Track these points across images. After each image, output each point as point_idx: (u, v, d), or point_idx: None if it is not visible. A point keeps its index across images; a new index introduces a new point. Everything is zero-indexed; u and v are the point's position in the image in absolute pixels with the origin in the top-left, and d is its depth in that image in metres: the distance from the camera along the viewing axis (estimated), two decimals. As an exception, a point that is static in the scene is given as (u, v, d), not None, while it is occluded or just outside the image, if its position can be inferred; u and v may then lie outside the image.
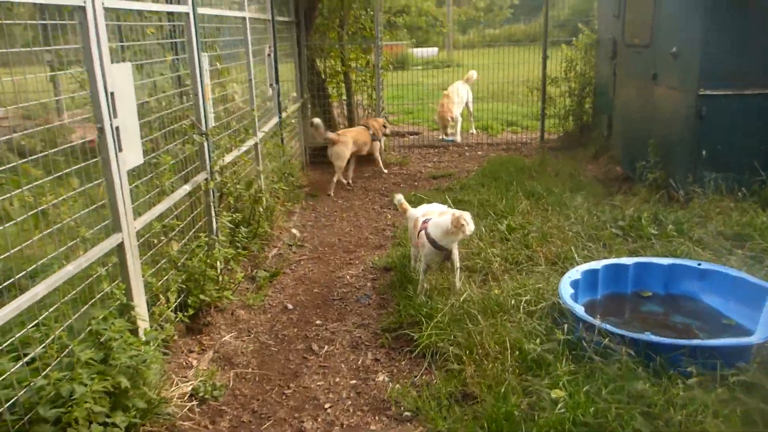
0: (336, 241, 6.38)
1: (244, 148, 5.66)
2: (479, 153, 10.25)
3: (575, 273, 4.32)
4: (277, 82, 7.30)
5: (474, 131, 11.58)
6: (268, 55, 7.07)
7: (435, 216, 4.71)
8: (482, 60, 11.02)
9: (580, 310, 3.78)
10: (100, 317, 2.98)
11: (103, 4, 3.06)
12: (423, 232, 4.54)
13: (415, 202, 5.80)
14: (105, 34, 3.08)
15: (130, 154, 3.39)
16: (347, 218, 7.15)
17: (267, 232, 5.93)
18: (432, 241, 4.42)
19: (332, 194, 8.11)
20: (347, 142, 8.17)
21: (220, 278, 4.72)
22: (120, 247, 3.27)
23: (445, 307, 4.18)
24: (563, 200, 6.76)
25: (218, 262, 4.62)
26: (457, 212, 4.38)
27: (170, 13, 4.27)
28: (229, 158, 5.05)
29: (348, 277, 5.40)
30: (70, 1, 2.88)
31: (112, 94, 3.12)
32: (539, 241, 5.38)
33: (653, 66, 7.35)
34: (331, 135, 8.11)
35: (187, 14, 4.28)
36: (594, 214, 6.10)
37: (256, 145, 6.09)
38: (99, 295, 3.11)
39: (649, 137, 7.39)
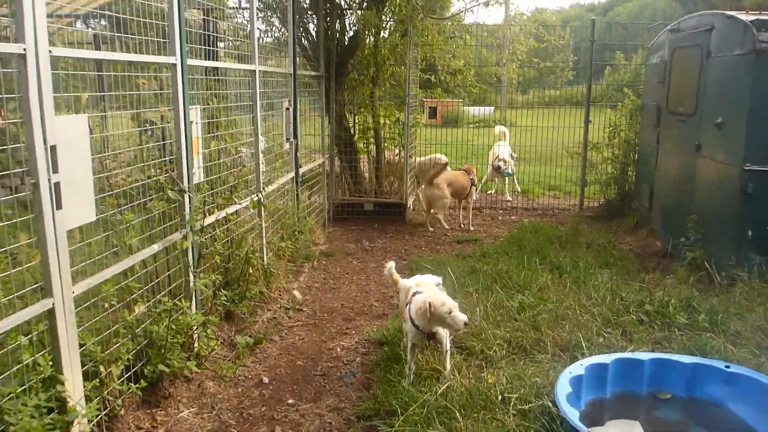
0: (338, 306, 5.99)
1: (242, 205, 5.40)
2: (513, 218, 9.76)
3: (578, 367, 3.78)
4: (295, 137, 7.10)
5: (509, 197, 11.10)
6: (287, 109, 6.90)
7: (429, 289, 4.29)
8: (534, 121, 10.66)
9: (574, 417, 3.24)
10: (7, 393, 2.66)
11: (50, 52, 2.86)
12: (407, 307, 4.12)
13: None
14: (49, 84, 2.86)
15: (77, 210, 3.14)
16: (357, 281, 6.77)
17: (261, 294, 5.60)
18: (411, 320, 3.99)
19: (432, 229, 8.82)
20: (441, 185, 8.58)
21: (196, 345, 4.39)
22: (50, 313, 2.97)
23: (425, 395, 3.71)
24: (588, 276, 6.20)
25: (194, 327, 4.30)
26: (431, 297, 3.93)
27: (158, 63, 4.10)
28: (215, 216, 4.78)
29: (339, 349, 4.98)
30: (8, 48, 2.68)
31: (53, 147, 2.89)
32: (550, 324, 4.85)
33: (697, 136, 6.81)
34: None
35: (174, 65, 4.09)
36: (618, 294, 5.51)
37: (259, 201, 5.83)
38: (15, 368, 2.80)
39: (690, 212, 6.79)
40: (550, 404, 3.47)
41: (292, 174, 7.16)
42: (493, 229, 9.01)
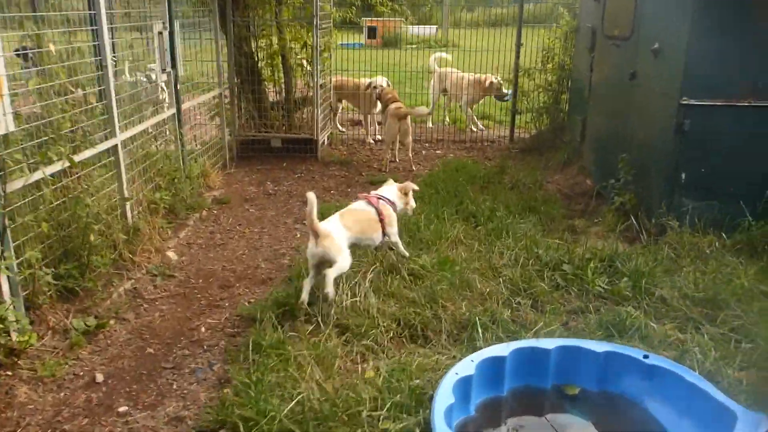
0: (218, 269, 5.15)
1: (85, 156, 4.41)
2: (438, 152, 8.96)
3: (467, 366, 3.09)
4: (173, 66, 6.01)
5: (431, 125, 10.21)
6: (160, 33, 5.78)
7: None
8: (478, 43, 9.65)
9: (449, 441, 2.56)
10: None
11: None
12: None
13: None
14: None
15: None
16: (249, 235, 5.91)
17: (121, 259, 4.71)
18: None
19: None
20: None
21: (14, 339, 3.53)
22: None
23: (284, 405, 2.97)
24: (506, 226, 5.50)
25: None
26: None
27: None
28: (36, 176, 3.81)
29: (203, 329, 4.17)
30: None
31: None
32: (451, 295, 4.15)
33: (632, 63, 6.05)
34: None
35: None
36: (535, 252, 4.84)
37: (115, 148, 4.84)
38: None
39: (622, 150, 6.11)
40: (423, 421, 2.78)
41: (172, 111, 6.11)
42: (415, 165, 8.19)
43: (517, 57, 9.06)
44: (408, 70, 10.90)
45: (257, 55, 8.08)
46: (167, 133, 6.20)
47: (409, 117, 7.87)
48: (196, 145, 7.09)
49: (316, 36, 7.75)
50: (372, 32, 19.68)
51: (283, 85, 8.31)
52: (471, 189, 6.88)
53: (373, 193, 4.96)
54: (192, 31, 7.47)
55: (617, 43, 6.53)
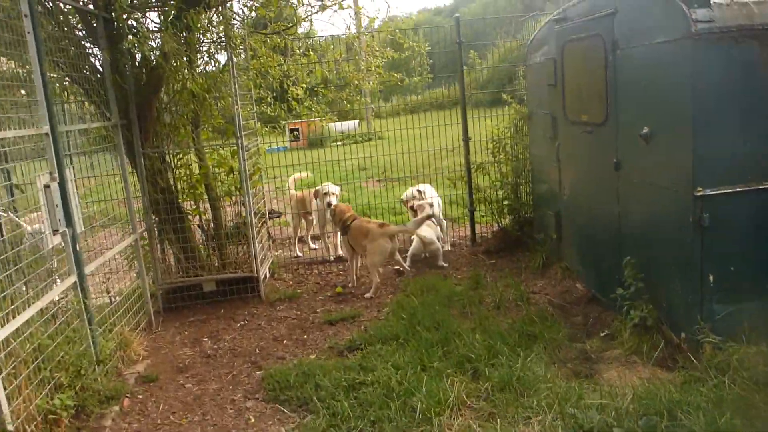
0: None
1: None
2: (395, 267, 7.88)
3: None
4: (69, 224, 4.76)
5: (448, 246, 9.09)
6: (46, 186, 4.57)
7: None
8: (402, 131, 8.84)
9: None
10: None
11: None
12: None
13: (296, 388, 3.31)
14: None
15: None
16: (187, 428, 4.55)
17: None
18: None
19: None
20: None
21: None
22: None
23: None
24: (515, 372, 4.39)
25: None
26: None
27: None
28: None
29: None
30: None
31: None
32: None
33: (613, 151, 5.26)
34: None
35: None
36: (569, 413, 3.72)
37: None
38: None
39: (622, 250, 5.21)
40: None
41: (72, 279, 4.80)
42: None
43: (467, 152, 8.27)
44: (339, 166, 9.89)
45: (176, 189, 6.92)
46: (67, 306, 4.86)
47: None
48: (110, 303, 5.73)
49: (243, 159, 6.69)
50: (296, 135, 19.04)
51: (210, 219, 7.12)
52: (451, 316, 5.79)
53: None
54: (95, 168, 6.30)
55: (588, 130, 5.77)
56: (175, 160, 6.91)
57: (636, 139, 4.80)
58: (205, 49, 6.89)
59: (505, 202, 8.03)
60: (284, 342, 5.92)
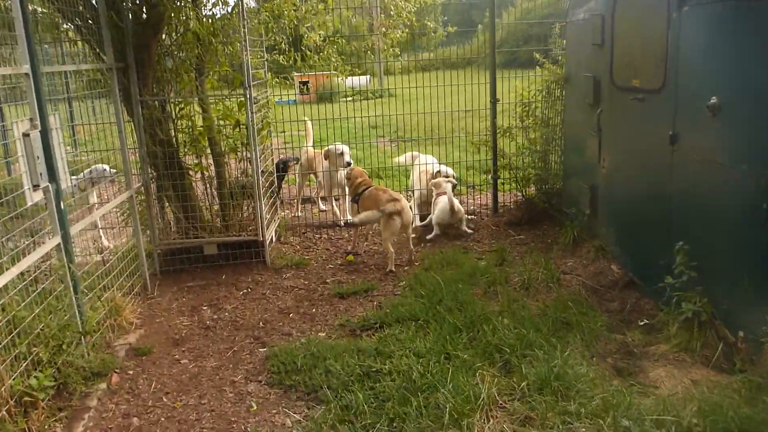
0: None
1: None
2: (412, 236, 7.33)
3: None
4: (53, 179, 4.20)
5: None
6: (26, 135, 3.98)
7: None
8: (418, 89, 8.13)
9: None
10: None
11: None
12: None
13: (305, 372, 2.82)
14: None
15: None
16: (180, 412, 4.07)
17: None
18: None
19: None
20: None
21: None
22: None
23: None
24: (552, 369, 3.87)
25: None
26: None
27: None
28: None
29: None
30: None
31: None
32: None
33: (670, 122, 4.63)
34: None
35: None
36: (625, 426, 3.21)
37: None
38: None
39: (670, 233, 4.65)
40: None
41: (56, 241, 4.26)
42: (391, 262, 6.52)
43: (494, 115, 7.63)
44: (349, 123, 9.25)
45: (177, 142, 6.32)
46: (51, 270, 4.33)
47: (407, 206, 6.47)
48: (102, 264, 5.21)
49: (251, 111, 6.07)
50: (304, 87, 18.36)
51: (213, 177, 6.54)
52: (475, 296, 5.27)
53: None
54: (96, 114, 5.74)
55: (639, 97, 5.14)
56: (177, 110, 6.30)
57: (699, 109, 4.17)
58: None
59: (532, 171, 7.42)
60: (291, 315, 5.41)
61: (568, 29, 6.70)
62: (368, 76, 22.67)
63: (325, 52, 7.49)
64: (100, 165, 6.40)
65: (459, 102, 7.83)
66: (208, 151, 6.49)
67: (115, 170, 6.07)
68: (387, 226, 6.28)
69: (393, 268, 6.25)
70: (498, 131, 7.62)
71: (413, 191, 7.83)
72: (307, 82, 18.49)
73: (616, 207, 5.78)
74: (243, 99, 6.12)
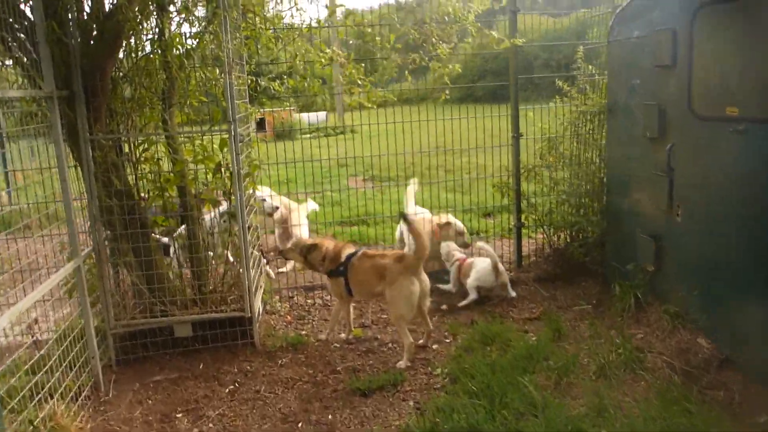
0: None
1: None
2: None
3: None
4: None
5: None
6: None
7: None
8: (381, 123, 6.79)
9: None
10: None
11: None
12: None
13: None
14: None
15: None
16: None
17: None
18: None
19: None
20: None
21: None
22: None
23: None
24: None
25: None
26: None
27: None
28: None
29: None
30: None
31: None
32: None
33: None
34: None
35: None
36: None
37: None
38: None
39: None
40: None
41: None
42: (415, 335, 5.20)
43: (517, 153, 6.50)
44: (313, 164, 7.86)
45: (138, 191, 4.92)
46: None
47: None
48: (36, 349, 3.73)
49: (236, 152, 4.74)
50: (261, 124, 17.06)
51: (186, 236, 5.13)
52: (544, 389, 4.02)
53: None
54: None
55: (740, 128, 4.06)
56: (139, 151, 4.91)
57: None
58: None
59: (569, 217, 6.28)
60: (299, 425, 4.02)
61: (613, 50, 5.64)
62: (325, 113, 21.55)
63: (308, 87, 6.05)
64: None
65: (428, 138, 6.69)
66: (178, 202, 5.09)
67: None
68: (401, 303, 4.77)
69: (408, 363, 4.74)
70: (522, 171, 6.48)
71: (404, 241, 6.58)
72: (263, 119, 17.22)
73: (699, 264, 4.65)
74: (225, 136, 4.78)
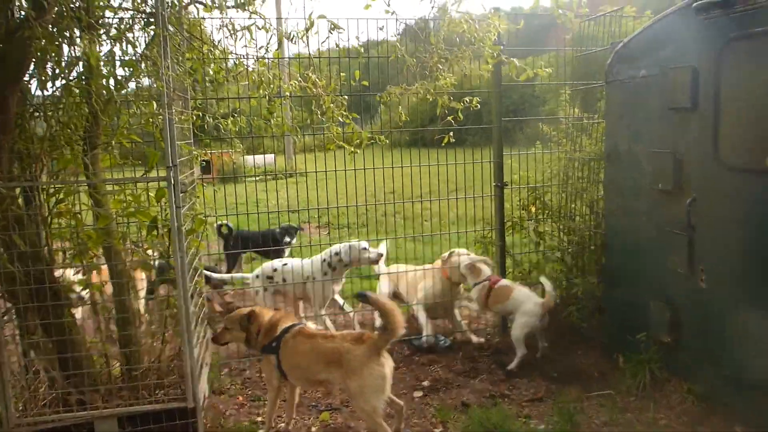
0: None
1: None
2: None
3: None
4: None
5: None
6: None
7: None
8: (342, 170, 5.86)
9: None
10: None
11: None
12: None
13: None
14: None
15: None
16: None
17: None
18: None
19: None
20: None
21: None
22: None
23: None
24: None
25: None
26: None
27: None
28: None
29: None
30: None
31: None
32: None
33: None
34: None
35: None
36: None
37: None
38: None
39: None
40: None
41: None
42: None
43: (501, 204, 5.78)
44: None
45: (51, 253, 3.91)
46: None
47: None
48: None
49: (176, 204, 3.82)
50: (206, 167, 15.99)
51: (111, 306, 4.13)
52: None
53: None
54: None
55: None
56: (51, 202, 3.92)
57: None
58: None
59: (560, 276, 5.57)
60: None
61: (612, 91, 5.03)
62: (272, 155, 20.62)
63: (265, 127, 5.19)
64: None
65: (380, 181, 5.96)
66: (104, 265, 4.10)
67: None
68: (371, 395, 3.82)
69: None
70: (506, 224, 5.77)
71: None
72: (208, 160, 16.17)
73: (730, 339, 3.96)
74: (163, 185, 3.86)
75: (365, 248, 5.73)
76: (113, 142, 4.17)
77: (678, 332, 4.38)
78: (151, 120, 4.20)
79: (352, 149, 4.93)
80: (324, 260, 5.80)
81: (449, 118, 5.07)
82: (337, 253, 5.76)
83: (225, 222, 7.24)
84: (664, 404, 4.28)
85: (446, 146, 5.27)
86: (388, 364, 3.91)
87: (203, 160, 15.22)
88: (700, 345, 4.22)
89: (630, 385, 4.53)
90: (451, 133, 5.12)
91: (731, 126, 3.85)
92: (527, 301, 5.11)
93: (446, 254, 5.76)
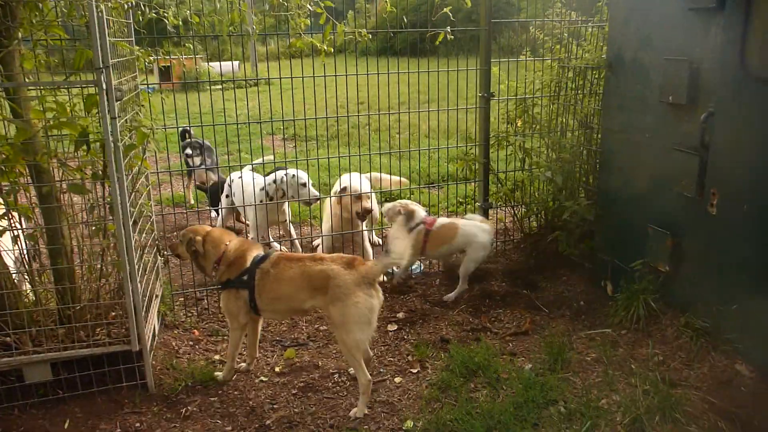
0: None
1: None
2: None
3: None
4: None
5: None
6: None
7: None
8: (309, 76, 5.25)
9: None
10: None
11: None
12: None
13: None
14: None
15: None
16: None
17: None
18: None
19: None
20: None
21: None
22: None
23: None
24: None
25: None
26: None
27: None
28: None
29: None
30: None
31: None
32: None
33: None
34: None
35: None
36: None
37: None
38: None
39: None
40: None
41: None
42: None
43: (487, 117, 5.22)
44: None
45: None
46: None
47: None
48: None
49: (109, 114, 3.18)
50: (166, 73, 14.95)
51: (38, 233, 3.55)
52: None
53: None
54: None
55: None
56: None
57: None
58: None
59: (548, 198, 5.13)
60: None
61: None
62: (237, 62, 19.52)
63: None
64: None
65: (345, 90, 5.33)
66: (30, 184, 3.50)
67: None
68: (357, 327, 3.40)
69: (366, 410, 3.44)
70: (492, 138, 5.24)
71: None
72: (169, 66, 15.18)
73: (741, 270, 3.60)
74: (94, 89, 3.20)
75: (304, 184, 5.09)
76: (35, 40, 3.46)
77: (678, 261, 4.00)
78: (78, 14, 3.47)
79: (325, 47, 4.26)
80: (263, 188, 5.21)
81: (446, 10, 4.40)
82: (274, 181, 5.13)
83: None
84: (658, 337, 3.96)
85: (419, 56, 4.63)
86: (378, 296, 3.48)
87: (162, 66, 14.15)
88: (703, 276, 3.86)
89: (623, 317, 4.19)
90: (449, 28, 4.44)
91: (763, 30, 3.31)
92: (479, 233, 4.68)
93: (338, 188, 5.20)
